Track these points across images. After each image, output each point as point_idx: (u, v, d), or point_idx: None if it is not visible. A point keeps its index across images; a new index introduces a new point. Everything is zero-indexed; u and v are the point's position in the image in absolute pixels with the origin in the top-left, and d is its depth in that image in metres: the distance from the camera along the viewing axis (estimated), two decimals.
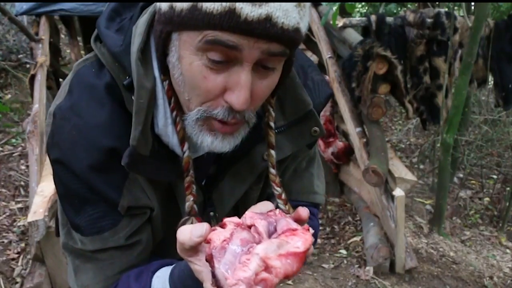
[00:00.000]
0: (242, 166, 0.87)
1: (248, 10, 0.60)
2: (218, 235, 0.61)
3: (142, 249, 0.85)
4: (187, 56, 0.66)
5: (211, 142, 0.72)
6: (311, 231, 0.63)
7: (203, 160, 0.83)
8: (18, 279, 2.75)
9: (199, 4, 0.61)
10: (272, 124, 0.81)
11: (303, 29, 0.67)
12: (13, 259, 2.93)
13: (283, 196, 0.84)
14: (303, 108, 0.85)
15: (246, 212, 0.64)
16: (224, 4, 0.60)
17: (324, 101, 0.92)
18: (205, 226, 0.62)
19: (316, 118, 0.86)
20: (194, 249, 0.64)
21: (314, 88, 0.90)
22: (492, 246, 3.73)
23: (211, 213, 0.90)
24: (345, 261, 3.16)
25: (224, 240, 0.60)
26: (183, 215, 0.82)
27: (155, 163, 0.76)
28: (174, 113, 0.75)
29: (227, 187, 0.88)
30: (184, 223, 0.78)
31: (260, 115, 0.81)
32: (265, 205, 0.68)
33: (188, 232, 0.62)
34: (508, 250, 3.70)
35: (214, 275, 0.60)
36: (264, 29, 0.62)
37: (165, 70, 0.74)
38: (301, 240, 0.60)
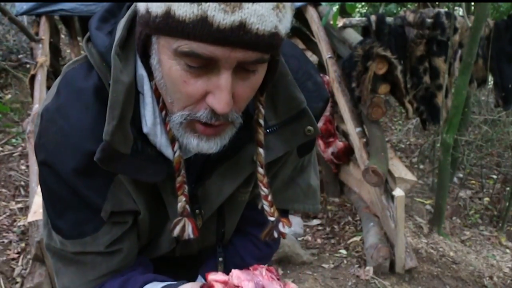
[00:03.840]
0: (230, 166, 0.85)
1: (220, 18, 0.58)
2: None
3: (123, 257, 0.84)
4: (166, 61, 0.65)
5: (197, 144, 0.71)
6: None
7: (192, 162, 0.82)
8: (18, 279, 2.75)
9: (172, 10, 0.60)
10: (261, 121, 0.79)
11: (283, 31, 0.65)
12: (13, 259, 2.93)
13: (270, 197, 0.82)
14: (296, 106, 0.81)
15: (233, 271, 0.64)
16: (196, 12, 0.58)
17: (323, 107, 0.89)
18: None
19: (310, 117, 0.82)
20: None
21: (315, 91, 0.87)
22: (492, 246, 3.73)
23: (197, 211, 0.89)
24: (345, 261, 3.16)
25: None
26: (170, 217, 0.82)
27: (137, 162, 0.74)
28: (164, 112, 0.74)
29: (213, 186, 0.87)
30: (176, 224, 0.79)
31: (251, 114, 0.79)
32: None
33: None
34: (508, 250, 3.70)
35: None
36: (238, 37, 0.60)
37: (149, 71, 0.73)
38: None
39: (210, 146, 0.72)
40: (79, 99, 0.75)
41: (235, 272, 0.64)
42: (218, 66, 0.63)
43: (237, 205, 0.95)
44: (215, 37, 0.59)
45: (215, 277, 0.64)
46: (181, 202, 0.78)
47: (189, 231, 0.79)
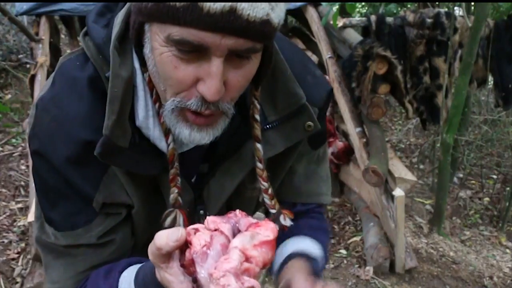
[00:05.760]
0: (233, 163, 0.85)
1: (210, 3, 0.58)
2: (198, 239, 0.61)
3: (115, 249, 0.83)
4: (157, 48, 0.65)
5: (189, 134, 0.71)
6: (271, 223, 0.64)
7: (190, 156, 0.82)
8: (18, 279, 2.75)
9: None
10: (257, 116, 0.79)
11: (275, 19, 0.64)
12: (13, 259, 2.94)
13: (270, 191, 0.84)
14: (295, 101, 0.81)
15: (208, 217, 0.64)
16: None
17: (326, 97, 0.89)
18: (180, 230, 0.61)
19: (309, 112, 0.82)
20: (168, 255, 0.62)
21: (315, 83, 0.88)
22: (492, 246, 3.73)
23: (201, 211, 0.89)
24: (345, 261, 3.16)
25: (205, 245, 0.60)
26: (168, 209, 0.81)
27: (135, 156, 0.74)
28: (157, 105, 0.74)
29: (216, 184, 0.87)
30: (167, 215, 0.78)
31: (248, 109, 0.79)
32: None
33: (165, 237, 0.60)
34: (508, 250, 3.70)
35: (195, 280, 0.60)
36: (228, 22, 0.59)
37: (143, 62, 0.73)
38: (269, 229, 0.62)
39: (202, 136, 0.71)
40: (74, 88, 0.75)
41: (210, 218, 0.63)
42: (209, 53, 0.63)
43: (246, 202, 0.95)
44: (205, 22, 0.59)
45: (194, 225, 0.63)
46: (173, 194, 0.78)
47: (180, 223, 0.78)
